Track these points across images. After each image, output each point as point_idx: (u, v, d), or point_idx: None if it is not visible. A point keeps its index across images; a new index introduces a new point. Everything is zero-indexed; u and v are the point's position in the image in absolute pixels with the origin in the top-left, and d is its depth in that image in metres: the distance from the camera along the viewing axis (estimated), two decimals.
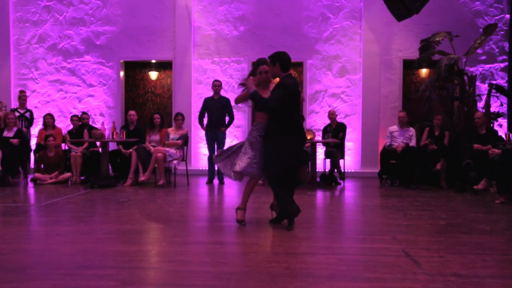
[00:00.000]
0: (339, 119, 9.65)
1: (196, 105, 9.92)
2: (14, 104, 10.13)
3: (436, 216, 5.61)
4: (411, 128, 8.72)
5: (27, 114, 9.47)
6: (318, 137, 9.40)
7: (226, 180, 8.90)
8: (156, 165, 8.18)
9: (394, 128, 8.75)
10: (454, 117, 9.06)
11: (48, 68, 10.65)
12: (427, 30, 9.68)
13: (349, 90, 10.32)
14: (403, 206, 6.33)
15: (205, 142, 9.01)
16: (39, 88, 10.67)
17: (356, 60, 10.27)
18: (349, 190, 8.18)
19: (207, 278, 3.32)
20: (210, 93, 9.11)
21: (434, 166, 8.28)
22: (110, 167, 8.70)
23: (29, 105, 10.01)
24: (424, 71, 10.50)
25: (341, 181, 8.80)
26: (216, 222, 5.46)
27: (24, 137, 8.78)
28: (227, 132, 8.97)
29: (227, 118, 8.85)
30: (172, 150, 8.26)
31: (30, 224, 5.36)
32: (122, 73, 10.67)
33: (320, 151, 9.52)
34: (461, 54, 9.07)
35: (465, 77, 9.10)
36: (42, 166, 8.64)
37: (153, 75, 10.82)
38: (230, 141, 10.06)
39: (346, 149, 9.63)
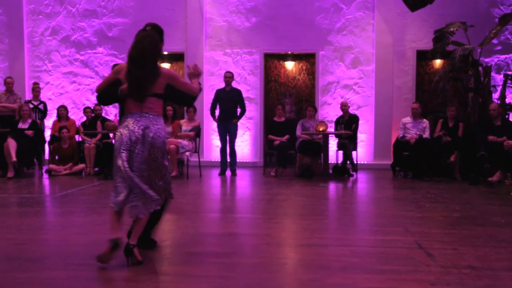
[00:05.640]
0: (351, 110, 9.59)
1: (208, 97, 9.92)
2: (28, 96, 10.22)
3: (449, 208, 5.57)
4: (424, 120, 8.65)
5: (41, 106, 9.55)
6: (331, 129, 9.36)
7: (239, 171, 8.93)
8: (168, 157, 8.21)
9: (408, 119, 8.68)
10: (468, 109, 8.96)
11: (62, 60, 10.71)
12: (441, 20, 9.55)
13: (361, 82, 10.24)
14: (416, 198, 6.29)
15: (217, 133, 9.02)
16: (53, 80, 10.74)
17: (369, 51, 10.18)
18: (362, 182, 8.15)
19: (221, 269, 3.34)
20: (222, 85, 9.11)
21: (448, 158, 8.20)
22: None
23: (43, 97, 10.09)
24: (438, 62, 10.38)
25: (354, 173, 8.77)
26: (229, 214, 5.48)
27: (38, 128, 8.86)
28: (239, 123, 8.96)
29: (239, 110, 8.84)
30: (184, 142, 8.29)
31: (45, 214, 5.43)
32: None
33: (333, 142, 9.48)
34: (476, 45, 8.94)
35: (480, 68, 8.98)
36: (56, 158, 8.73)
37: (165, 66, 10.83)
38: (242, 132, 10.06)
39: (358, 140, 9.58)
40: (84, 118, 9.55)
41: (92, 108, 9.47)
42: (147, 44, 3.48)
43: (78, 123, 9.69)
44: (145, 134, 3.41)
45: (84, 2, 10.59)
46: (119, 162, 3.38)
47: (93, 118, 9.30)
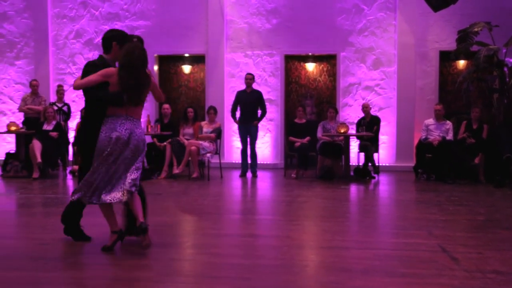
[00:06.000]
0: (373, 112, 9.51)
1: (229, 99, 9.95)
2: (53, 98, 10.39)
3: (474, 212, 5.47)
4: (448, 121, 8.52)
5: (65, 108, 9.72)
6: (352, 131, 9.29)
7: (260, 173, 8.93)
8: (190, 158, 8.26)
9: (430, 121, 8.57)
10: (493, 110, 8.79)
11: (85, 62, 10.85)
12: (465, 20, 9.39)
13: (383, 83, 10.15)
14: (439, 201, 6.20)
15: (238, 135, 9.05)
16: None
17: (390, 52, 10.08)
18: (384, 184, 8.07)
19: (241, 270, 3.34)
20: (243, 87, 9.13)
21: (472, 160, 8.06)
22: (145, 160, 8.84)
23: (67, 99, 10.26)
24: (461, 63, 10.22)
25: (375, 175, 8.68)
26: (249, 215, 5.49)
27: (62, 130, 9.02)
28: (259, 125, 8.97)
29: (259, 112, 8.85)
30: (205, 144, 8.33)
31: None
32: (156, 67, 10.80)
33: (354, 144, 9.41)
34: (501, 45, 8.75)
35: (505, 68, 8.80)
36: (80, 159, 8.86)
37: (186, 69, 10.90)
38: (262, 134, 10.06)
39: (380, 142, 9.48)
40: None
41: None
42: (138, 54, 3.80)
43: None
44: (131, 138, 3.73)
45: (107, 6, 10.74)
46: (110, 160, 3.68)
47: None
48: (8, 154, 9.05)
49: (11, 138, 10.01)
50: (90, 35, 10.80)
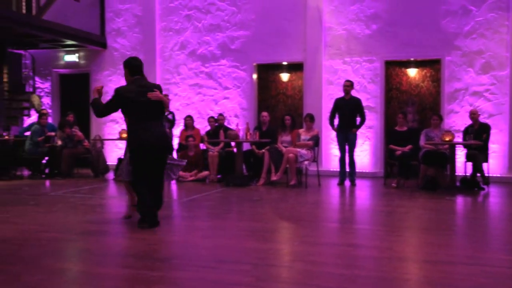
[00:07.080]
0: (482, 119, 8.91)
1: (327, 106, 9.87)
2: None
3: None
4: None
5: (170, 116, 10.25)
6: (458, 139, 8.77)
7: (358, 182, 8.74)
8: (287, 166, 8.31)
9: None
10: None
11: (188, 73, 11.41)
12: None
13: (493, 88, 9.47)
14: None
15: (336, 143, 8.94)
16: (180, 92, 11.48)
17: (502, 55, 9.39)
18: (494, 196, 7.51)
19: (340, 280, 3.28)
20: (341, 94, 9.01)
21: None
22: (244, 167, 9.05)
23: (172, 107, 10.81)
24: None
25: (485, 186, 8.11)
26: (348, 224, 5.39)
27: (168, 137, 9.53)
28: (358, 133, 8.79)
29: (358, 119, 8.68)
30: (303, 151, 8.34)
31: (174, 218, 5.78)
32: (255, 76, 11.03)
33: (460, 153, 8.88)
34: None
35: None
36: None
37: (285, 76, 11.01)
38: (361, 142, 9.85)
39: (490, 151, 8.84)
40: (208, 127, 10.06)
41: (215, 117, 9.94)
42: None
43: (202, 132, 10.22)
44: None
45: (210, 18, 11.18)
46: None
47: (216, 127, 9.75)
48: (120, 160, 9.74)
49: (122, 145, 10.76)
50: (193, 47, 11.32)
